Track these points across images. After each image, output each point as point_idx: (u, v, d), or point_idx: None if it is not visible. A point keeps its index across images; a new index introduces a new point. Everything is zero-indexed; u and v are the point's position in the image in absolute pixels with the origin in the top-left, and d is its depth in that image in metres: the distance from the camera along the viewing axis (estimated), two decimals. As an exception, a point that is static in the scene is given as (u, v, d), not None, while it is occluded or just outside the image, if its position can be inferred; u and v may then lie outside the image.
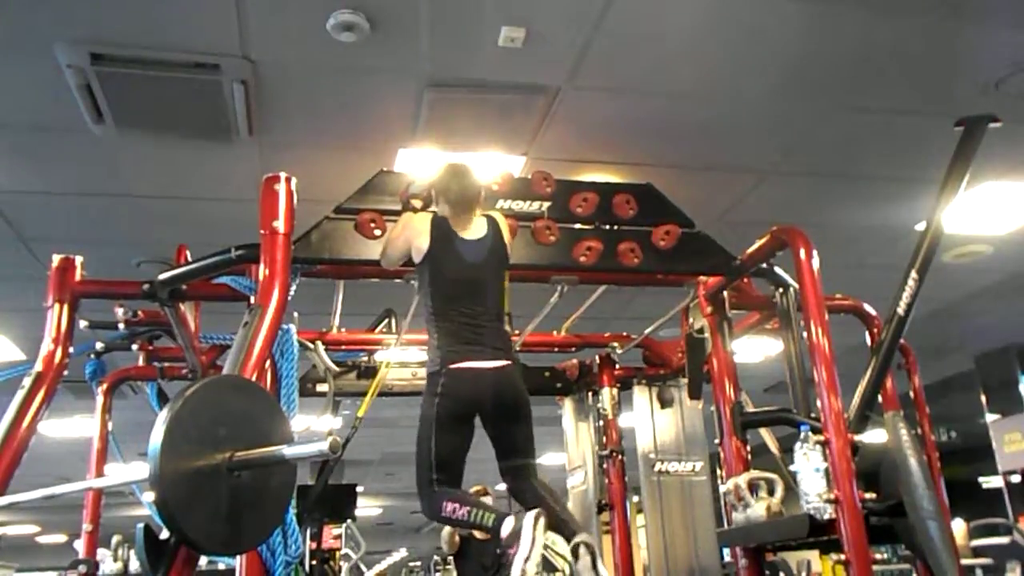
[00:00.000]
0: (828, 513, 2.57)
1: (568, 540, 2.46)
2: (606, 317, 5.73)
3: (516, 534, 2.38)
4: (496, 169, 3.43)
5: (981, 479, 9.47)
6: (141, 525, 1.96)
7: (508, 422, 2.81)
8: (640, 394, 4.57)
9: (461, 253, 2.80)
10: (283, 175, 2.79)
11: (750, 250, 3.22)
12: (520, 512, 2.48)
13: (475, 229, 2.86)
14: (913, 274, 3.04)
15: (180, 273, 3.09)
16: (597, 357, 4.57)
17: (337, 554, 8.29)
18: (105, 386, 3.99)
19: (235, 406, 1.95)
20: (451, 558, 6.27)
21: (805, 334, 2.89)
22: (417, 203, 2.98)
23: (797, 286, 3.00)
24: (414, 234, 2.82)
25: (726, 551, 4.56)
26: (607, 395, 4.49)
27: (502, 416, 2.79)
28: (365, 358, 4.27)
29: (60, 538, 15.78)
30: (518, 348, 4.05)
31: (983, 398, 8.16)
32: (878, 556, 7.96)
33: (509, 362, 2.77)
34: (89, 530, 3.82)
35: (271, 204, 2.73)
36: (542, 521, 2.38)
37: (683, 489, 4.40)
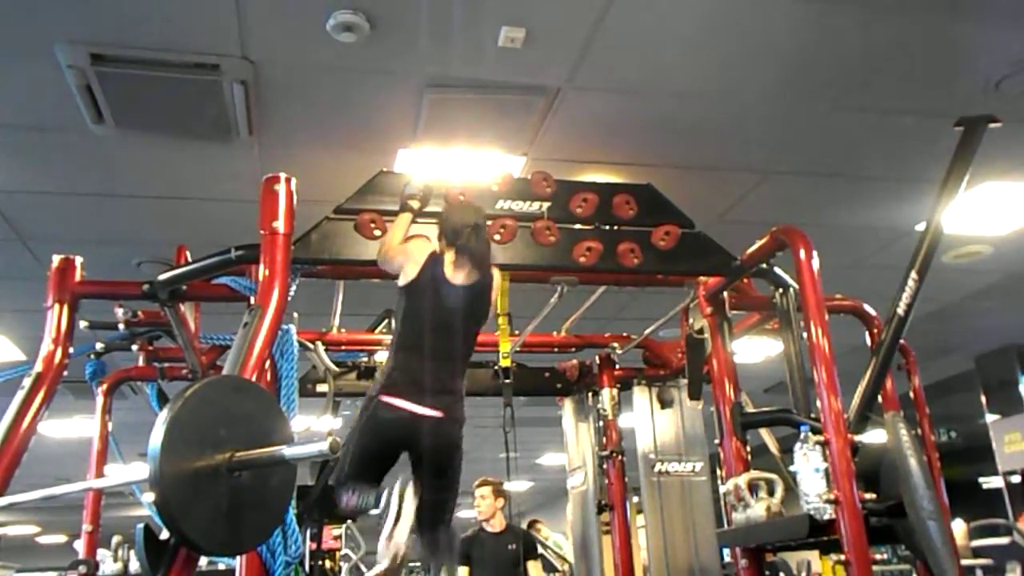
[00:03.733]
0: (828, 513, 2.57)
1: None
2: (606, 317, 5.73)
3: (386, 505, 2.61)
4: (496, 169, 3.43)
5: (981, 479, 9.47)
6: (141, 525, 1.96)
7: (433, 472, 2.84)
8: (640, 395, 4.58)
9: (443, 295, 2.83)
10: (283, 175, 2.79)
11: (750, 250, 3.22)
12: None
13: (467, 275, 2.87)
14: (913, 274, 3.04)
15: (180, 273, 3.09)
16: (597, 357, 4.57)
17: (337, 554, 8.28)
18: (105, 386, 3.99)
19: (235, 406, 1.95)
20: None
21: (805, 334, 2.89)
22: (415, 203, 2.98)
23: (797, 286, 3.00)
24: (408, 260, 2.86)
25: (726, 551, 4.56)
26: (607, 396, 4.50)
27: (428, 464, 2.83)
28: (365, 358, 4.28)
29: (60, 538, 15.78)
30: (518, 349, 4.06)
31: (983, 398, 8.16)
32: (878, 556, 7.95)
33: (443, 414, 2.76)
34: (89, 530, 3.83)
35: (271, 204, 2.73)
36: (411, 489, 2.62)
37: (683, 489, 4.40)
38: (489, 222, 3.08)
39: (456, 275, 2.85)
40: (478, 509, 5.33)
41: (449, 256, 2.87)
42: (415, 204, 2.98)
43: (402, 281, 2.85)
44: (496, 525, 5.26)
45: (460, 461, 2.86)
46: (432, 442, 2.77)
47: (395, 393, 2.74)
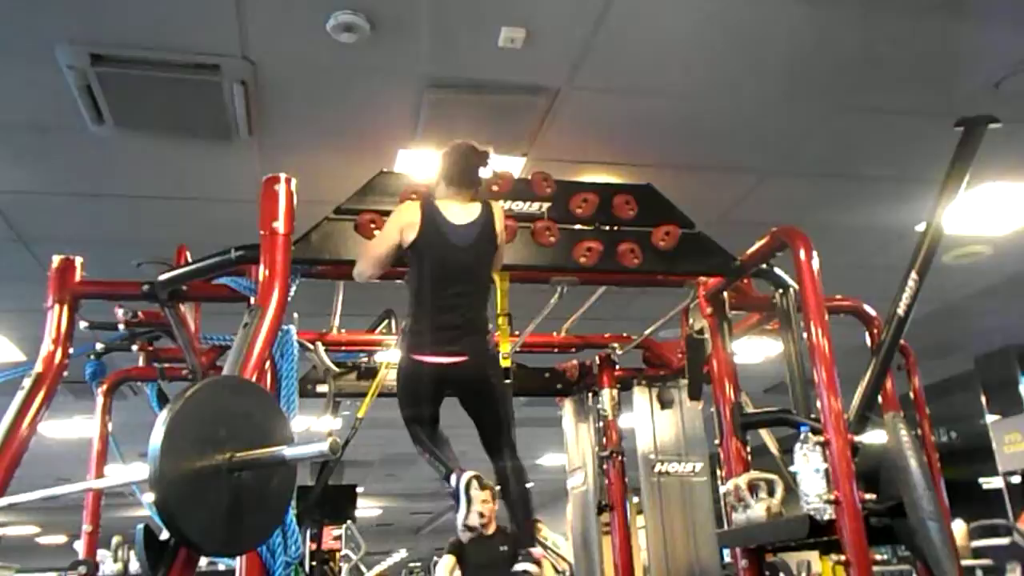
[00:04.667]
0: (828, 514, 2.57)
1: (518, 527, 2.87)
2: (606, 318, 5.71)
3: (455, 496, 2.65)
4: (496, 169, 3.43)
5: (981, 480, 9.47)
6: (141, 526, 1.96)
7: (477, 406, 2.92)
8: (640, 395, 4.57)
9: (447, 236, 2.79)
10: (283, 176, 2.79)
11: (750, 251, 3.22)
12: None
13: (467, 213, 2.83)
14: (913, 275, 3.04)
15: (180, 274, 3.09)
16: (597, 358, 4.57)
17: (337, 555, 8.28)
18: (105, 387, 3.99)
19: (235, 407, 1.95)
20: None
21: (805, 335, 2.88)
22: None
23: (797, 287, 3.00)
24: (406, 227, 2.80)
25: (726, 552, 4.55)
26: (607, 396, 4.49)
27: (470, 400, 2.91)
28: (365, 359, 4.28)
29: (60, 539, 15.79)
30: (518, 349, 4.06)
31: (983, 398, 8.16)
32: (878, 557, 7.95)
33: (465, 356, 2.78)
34: (89, 531, 3.83)
35: (271, 205, 2.73)
36: (475, 483, 2.65)
37: (683, 490, 4.40)
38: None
39: (455, 213, 2.81)
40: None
41: (442, 191, 2.84)
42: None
43: (406, 244, 2.79)
44: (489, 528, 5.22)
45: (502, 390, 2.92)
46: (468, 384, 2.85)
47: (420, 349, 2.77)
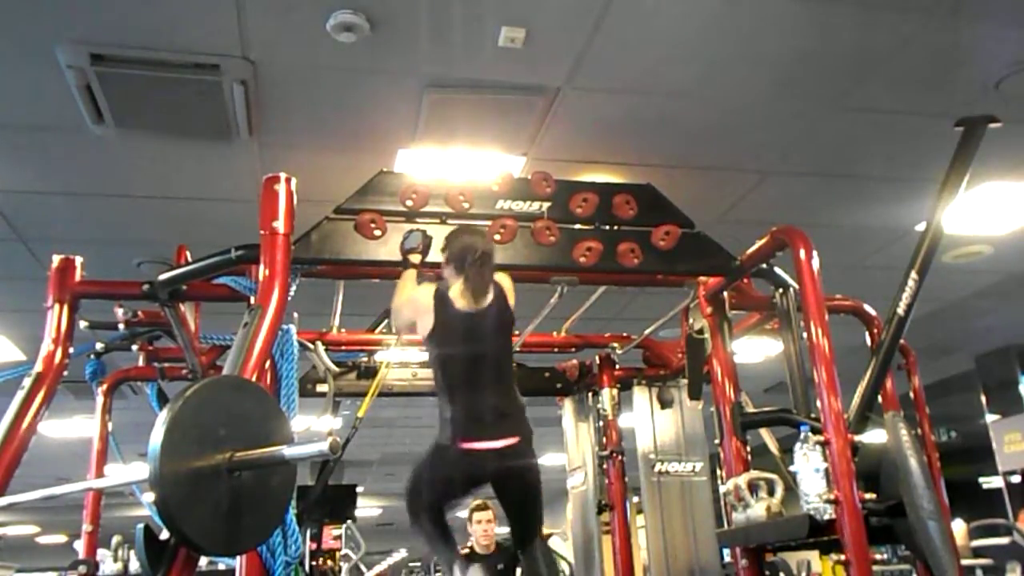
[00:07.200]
0: (828, 513, 2.57)
1: None
2: (606, 317, 5.73)
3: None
4: (496, 169, 3.43)
5: (981, 479, 9.48)
6: (141, 525, 1.96)
7: (515, 496, 2.98)
8: (640, 395, 4.57)
9: (465, 328, 2.86)
10: (283, 175, 2.79)
11: (750, 250, 3.22)
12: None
13: (477, 299, 2.89)
14: (913, 274, 3.04)
15: (180, 273, 3.09)
16: (597, 357, 4.57)
17: (337, 554, 8.28)
18: (105, 386, 3.99)
19: (235, 406, 1.95)
20: None
21: (805, 334, 2.89)
22: (415, 257, 2.99)
23: (797, 286, 3.00)
24: (419, 313, 2.90)
25: (726, 551, 4.56)
26: (607, 395, 4.50)
27: (509, 490, 2.96)
28: (365, 358, 4.28)
29: (60, 538, 15.79)
30: (518, 349, 4.06)
31: (983, 398, 8.17)
32: (878, 556, 7.94)
33: (516, 439, 2.86)
34: (89, 530, 3.82)
35: (271, 204, 2.73)
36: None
37: (683, 489, 4.40)
38: (489, 222, 3.08)
39: (468, 303, 2.88)
40: (477, 536, 5.20)
41: (456, 286, 2.89)
42: (416, 259, 2.99)
43: (423, 333, 2.91)
44: (490, 547, 5.20)
45: (539, 473, 2.98)
46: (514, 470, 2.88)
47: (471, 438, 2.81)
